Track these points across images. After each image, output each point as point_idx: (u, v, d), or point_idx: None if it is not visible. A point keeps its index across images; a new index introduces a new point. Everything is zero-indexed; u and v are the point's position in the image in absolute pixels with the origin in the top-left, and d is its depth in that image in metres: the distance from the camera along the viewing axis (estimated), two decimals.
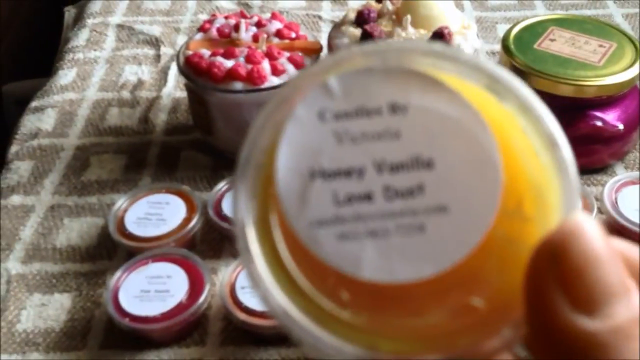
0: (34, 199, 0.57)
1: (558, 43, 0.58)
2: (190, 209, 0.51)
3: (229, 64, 0.54)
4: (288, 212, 0.18)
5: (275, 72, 0.54)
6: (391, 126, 0.17)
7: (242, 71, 0.53)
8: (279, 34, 0.58)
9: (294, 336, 0.18)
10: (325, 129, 0.18)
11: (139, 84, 0.70)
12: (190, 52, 0.56)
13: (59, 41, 0.84)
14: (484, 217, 0.17)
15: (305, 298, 0.18)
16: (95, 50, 0.75)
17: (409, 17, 0.55)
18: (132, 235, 0.49)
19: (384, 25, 0.56)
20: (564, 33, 0.59)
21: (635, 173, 0.53)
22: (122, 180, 0.58)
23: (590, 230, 0.16)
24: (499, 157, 0.17)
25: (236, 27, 0.58)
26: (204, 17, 0.81)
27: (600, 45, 0.57)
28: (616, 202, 0.50)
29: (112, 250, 0.52)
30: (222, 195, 0.52)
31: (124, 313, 0.43)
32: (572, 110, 0.55)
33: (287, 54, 0.55)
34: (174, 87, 0.69)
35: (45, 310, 0.48)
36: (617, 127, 0.55)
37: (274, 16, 0.61)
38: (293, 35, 0.58)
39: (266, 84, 0.53)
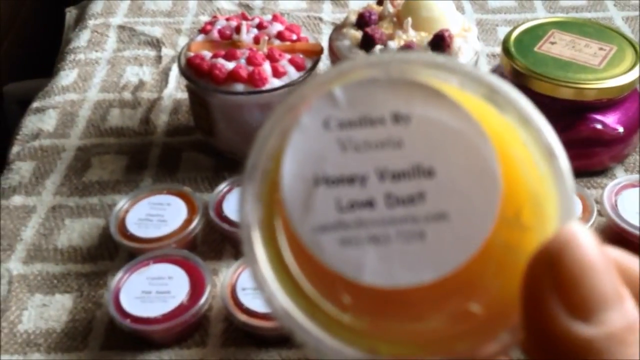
0: (35, 199, 0.57)
1: (558, 46, 0.58)
2: (192, 210, 0.51)
3: (230, 65, 0.54)
4: (292, 217, 0.18)
5: (276, 74, 0.54)
6: (394, 135, 0.18)
7: (243, 73, 0.53)
8: (280, 35, 0.58)
9: (296, 338, 0.18)
10: (329, 137, 0.18)
11: (140, 85, 0.70)
12: (191, 54, 0.56)
13: (60, 42, 0.84)
14: (483, 225, 0.17)
15: (308, 301, 0.18)
16: (96, 51, 0.76)
17: (409, 19, 0.55)
18: (133, 236, 0.49)
19: (385, 28, 0.56)
20: (564, 36, 0.59)
21: (635, 176, 0.53)
22: (123, 181, 0.58)
23: (585, 239, 0.16)
24: (499, 167, 0.17)
25: (237, 29, 0.58)
26: (205, 18, 0.81)
27: (601, 48, 0.57)
28: (616, 205, 0.50)
29: (114, 251, 0.52)
30: (223, 197, 0.52)
31: (125, 314, 0.43)
32: (573, 113, 0.55)
33: (288, 56, 0.56)
34: (175, 88, 0.69)
35: (47, 311, 0.48)
36: (617, 130, 0.55)
37: (275, 18, 0.61)
38: (294, 37, 0.58)
39: (267, 86, 0.53)
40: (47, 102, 0.68)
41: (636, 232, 0.48)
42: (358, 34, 0.56)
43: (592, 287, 0.15)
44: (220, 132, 0.57)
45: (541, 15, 0.80)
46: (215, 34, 0.58)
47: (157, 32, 0.79)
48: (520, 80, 0.55)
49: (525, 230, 0.18)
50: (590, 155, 0.56)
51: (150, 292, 0.45)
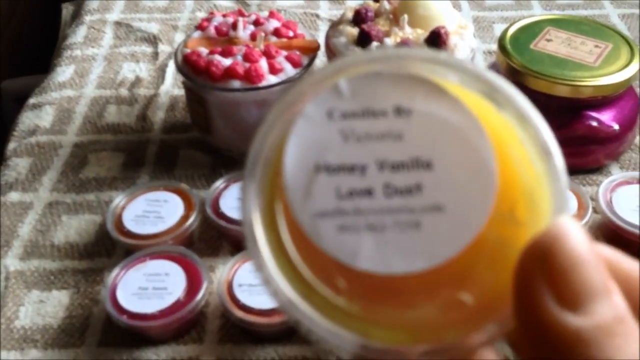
0: (32, 195, 0.57)
1: (554, 43, 0.58)
2: (188, 207, 0.51)
3: (227, 62, 0.54)
4: (293, 202, 0.18)
5: (273, 70, 0.54)
6: (395, 128, 0.18)
7: (240, 70, 0.53)
8: (276, 32, 0.58)
9: (291, 318, 0.18)
10: (332, 127, 0.19)
11: (137, 81, 0.70)
12: (188, 50, 0.56)
13: (56, 38, 0.84)
14: (477, 218, 0.18)
15: (304, 283, 0.19)
16: (93, 47, 0.76)
17: (406, 16, 0.55)
18: (130, 232, 0.49)
19: (382, 25, 0.56)
20: (560, 33, 0.59)
21: (631, 173, 0.54)
22: (120, 178, 0.58)
23: (575, 234, 0.16)
24: (495, 163, 0.18)
25: (234, 26, 0.58)
26: (201, 14, 0.81)
27: (596, 46, 0.57)
28: (611, 202, 0.51)
29: (110, 248, 0.52)
30: (220, 193, 0.52)
31: (122, 310, 0.44)
32: (568, 111, 0.55)
33: (284, 53, 0.56)
34: (172, 85, 0.69)
35: (44, 307, 0.48)
36: (613, 127, 0.55)
37: (271, 15, 0.61)
38: (291, 34, 0.59)
39: (264, 83, 0.53)
40: (44, 98, 0.68)
41: (631, 229, 0.48)
42: (354, 31, 0.56)
43: (581, 279, 0.16)
44: (217, 129, 0.57)
45: (537, 13, 0.81)
46: (212, 31, 0.59)
47: (153, 28, 0.78)
48: (516, 77, 0.56)
49: (518, 226, 0.18)
50: (586, 153, 0.56)
51: (147, 289, 0.45)
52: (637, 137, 0.61)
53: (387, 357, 0.18)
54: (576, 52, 0.57)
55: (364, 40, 0.54)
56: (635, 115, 0.58)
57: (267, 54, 0.55)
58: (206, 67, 0.54)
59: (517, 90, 0.18)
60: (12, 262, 0.51)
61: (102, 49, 0.75)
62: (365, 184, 0.18)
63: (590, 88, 0.53)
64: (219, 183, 0.53)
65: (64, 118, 0.65)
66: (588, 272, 0.16)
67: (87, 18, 0.81)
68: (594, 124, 0.55)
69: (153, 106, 0.66)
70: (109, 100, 0.67)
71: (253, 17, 0.60)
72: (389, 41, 0.54)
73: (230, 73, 0.53)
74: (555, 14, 0.76)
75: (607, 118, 0.55)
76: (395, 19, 0.57)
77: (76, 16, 0.83)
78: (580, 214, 0.50)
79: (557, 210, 0.18)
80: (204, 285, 0.45)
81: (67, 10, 0.88)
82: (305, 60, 0.56)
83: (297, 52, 0.56)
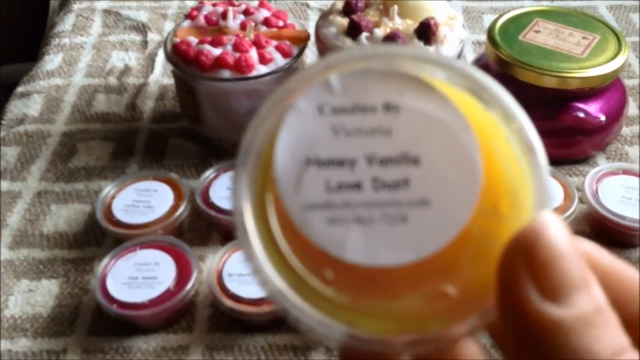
0: (21, 185, 0.57)
1: (543, 35, 0.58)
2: (178, 197, 0.51)
3: (216, 52, 0.54)
4: (283, 194, 0.19)
5: (263, 60, 0.54)
6: (384, 124, 0.19)
7: (230, 59, 0.53)
8: (266, 22, 0.58)
9: (280, 307, 0.19)
10: (323, 122, 0.19)
11: (126, 70, 0.70)
12: (177, 40, 0.56)
13: (45, 26, 0.83)
14: (462, 213, 0.19)
15: (293, 274, 0.19)
16: (81, 35, 0.75)
17: (395, 7, 0.55)
18: (120, 222, 0.49)
19: (371, 15, 0.57)
20: (548, 25, 0.60)
21: (616, 164, 0.54)
22: (109, 167, 0.58)
23: (556, 228, 0.17)
24: (481, 159, 0.19)
25: (224, 15, 0.58)
26: (191, 3, 0.80)
27: (584, 37, 0.58)
28: (597, 192, 0.51)
29: (100, 237, 0.52)
30: (209, 183, 0.52)
31: (112, 299, 0.44)
32: (556, 102, 0.55)
33: (274, 43, 0.56)
34: (162, 74, 0.69)
35: (33, 296, 0.48)
36: (600, 118, 0.56)
37: (261, 4, 0.61)
38: (281, 23, 0.59)
39: (254, 73, 0.53)
40: (32, 87, 0.67)
41: (616, 219, 0.49)
42: (344, 21, 0.56)
43: (562, 271, 0.17)
44: (207, 119, 0.57)
45: (526, 4, 0.81)
46: (201, 20, 0.58)
47: (142, 16, 0.78)
48: (504, 68, 0.56)
49: (502, 220, 0.19)
50: (573, 144, 0.57)
51: (137, 278, 0.45)
52: (624, 128, 0.61)
53: (374, 346, 0.19)
54: (564, 43, 0.57)
55: (353, 30, 0.55)
56: (622, 107, 0.58)
57: (257, 44, 0.55)
58: (196, 56, 0.54)
59: (503, 89, 0.19)
60: (1, 252, 0.51)
61: (91, 38, 0.75)
62: (354, 177, 0.19)
63: (578, 79, 0.54)
64: (209, 173, 0.53)
65: (52, 107, 0.65)
66: (568, 265, 0.17)
67: (76, 6, 0.80)
68: (581, 115, 0.55)
69: (142, 95, 0.66)
70: (98, 89, 0.67)
71: (243, 6, 0.60)
72: (379, 32, 0.54)
73: (220, 63, 0.53)
74: (544, 5, 0.76)
75: (594, 109, 0.56)
76: (385, 10, 0.57)
77: (64, 4, 0.83)
78: (567, 204, 0.50)
79: (539, 205, 0.18)
80: (194, 275, 0.45)
81: None
82: (295, 50, 0.56)
83: (287, 42, 0.56)
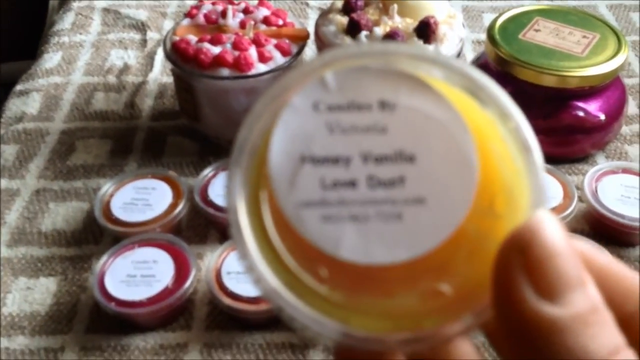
0: (19, 182, 0.57)
1: (542, 34, 0.58)
2: (177, 195, 0.51)
3: (216, 50, 0.54)
4: (277, 191, 0.19)
5: (262, 59, 0.54)
6: (379, 121, 0.19)
7: (229, 58, 0.53)
8: (266, 20, 0.58)
9: (274, 305, 0.19)
10: (318, 119, 0.19)
11: (125, 68, 0.70)
12: (177, 38, 0.56)
13: (44, 24, 0.83)
14: (457, 211, 0.19)
15: (288, 271, 0.19)
16: (80, 33, 0.75)
17: (395, 5, 0.55)
18: (118, 220, 0.49)
19: (371, 14, 0.57)
20: (548, 24, 0.60)
21: (616, 163, 0.54)
22: (108, 165, 0.58)
23: (552, 227, 0.17)
24: (477, 158, 0.19)
25: (223, 14, 0.58)
26: (191, 2, 0.80)
27: (584, 36, 0.58)
28: (596, 191, 0.51)
29: (98, 235, 0.52)
30: (208, 181, 0.52)
31: (110, 297, 0.44)
32: (555, 101, 0.55)
33: (274, 41, 0.56)
34: (161, 72, 0.69)
35: (31, 294, 0.48)
36: (599, 117, 0.56)
37: (261, 3, 0.61)
38: (280, 22, 0.58)
39: (253, 71, 0.53)
40: (31, 85, 0.67)
41: (616, 218, 0.49)
42: (344, 20, 0.56)
43: (558, 270, 0.16)
44: (206, 117, 0.57)
45: (526, 3, 0.81)
46: (201, 18, 0.58)
47: (142, 15, 0.78)
48: (504, 67, 0.56)
49: (497, 219, 0.19)
50: (572, 142, 0.57)
51: (135, 276, 0.45)
52: (623, 127, 0.61)
53: (368, 344, 0.19)
54: (564, 42, 0.57)
55: (353, 29, 0.54)
56: (622, 106, 0.58)
57: (257, 42, 0.55)
58: (195, 54, 0.54)
59: (500, 88, 0.19)
60: None
61: (90, 36, 0.75)
62: (349, 175, 0.19)
63: (577, 78, 0.54)
64: (208, 171, 0.53)
65: (51, 105, 0.65)
66: (564, 264, 0.17)
67: (75, 4, 0.80)
68: (581, 113, 0.55)
69: (141, 93, 0.66)
70: (97, 88, 0.67)
71: (242, 5, 0.60)
72: (378, 30, 0.54)
73: (219, 61, 0.53)
74: (544, 4, 0.76)
75: (594, 108, 0.56)
76: (384, 8, 0.57)
77: (64, 2, 0.83)
78: (566, 202, 0.50)
79: (535, 204, 0.18)
80: (192, 273, 0.45)
81: None
82: (294, 49, 0.56)
83: (287, 41, 0.56)
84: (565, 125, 0.55)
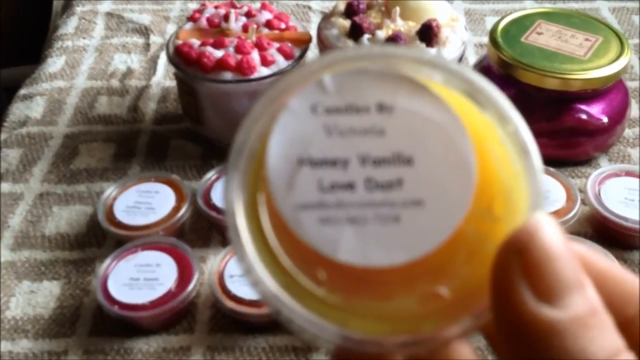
0: (23, 186, 0.57)
1: (545, 36, 0.58)
2: (180, 198, 0.51)
3: (218, 54, 0.54)
4: (275, 194, 0.19)
5: (265, 62, 0.54)
6: (377, 124, 0.19)
7: (232, 61, 0.53)
8: (268, 24, 0.58)
9: (272, 308, 0.19)
10: (316, 121, 0.19)
11: (129, 72, 0.70)
12: (180, 42, 0.56)
13: (47, 28, 0.84)
14: (455, 214, 0.19)
15: (285, 274, 0.19)
16: (84, 38, 0.75)
17: (397, 9, 0.55)
18: (121, 223, 0.49)
19: (373, 17, 0.57)
20: (550, 26, 0.60)
21: (619, 165, 0.54)
22: (111, 168, 0.58)
23: (550, 229, 0.17)
24: (475, 161, 0.19)
25: (226, 17, 0.58)
26: (193, 6, 0.80)
27: (587, 39, 0.58)
28: (599, 194, 0.51)
29: (101, 239, 0.52)
30: (211, 185, 0.52)
31: (113, 301, 0.44)
32: (558, 103, 0.55)
33: (276, 45, 0.56)
34: (164, 76, 0.69)
35: (34, 298, 0.48)
36: (602, 120, 0.56)
37: (263, 6, 0.61)
38: (283, 26, 0.59)
39: (255, 75, 0.53)
40: (35, 89, 0.68)
41: (619, 221, 0.49)
42: (346, 23, 0.56)
43: (556, 272, 0.16)
44: (209, 120, 0.57)
45: (529, 6, 0.81)
46: (203, 22, 0.58)
47: (145, 19, 0.78)
48: (506, 70, 0.56)
49: (496, 222, 0.19)
50: (575, 145, 0.57)
51: (138, 279, 0.45)
52: (626, 130, 0.61)
53: (366, 347, 0.19)
54: (566, 45, 0.57)
55: (355, 32, 0.55)
56: (625, 108, 0.58)
57: (259, 46, 0.55)
58: (198, 58, 0.54)
59: (499, 91, 0.19)
60: (2, 253, 0.51)
61: (94, 40, 0.75)
62: (347, 177, 0.19)
63: (580, 81, 0.54)
64: (211, 174, 0.53)
65: (54, 109, 0.65)
66: (562, 266, 0.16)
67: (79, 9, 0.80)
68: (583, 116, 0.55)
69: (144, 97, 0.66)
70: (100, 92, 0.67)
71: (245, 8, 0.60)
72: (381, 34, 0.54)
73: (221, 64, 0.53)
74: (546, 7, 0.76)
75: (597, 111, 0.56)
76: (387, 12, 0.57)
77: (67, 7, 0.83)
78: (569, 205, 0.50)
79: (533, 207, 0.18)
80: (195, 276, 0.45)
81: (58, 0, 0.87)
82: (297, 52, 0.56)
83: (289, 44, 0.56)
84: (568, 128, 0.55)
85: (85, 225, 0.53)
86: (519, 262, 0.17)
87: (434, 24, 0.53)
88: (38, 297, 0.48)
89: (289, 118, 0.19)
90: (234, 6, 0.61)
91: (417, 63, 0.19)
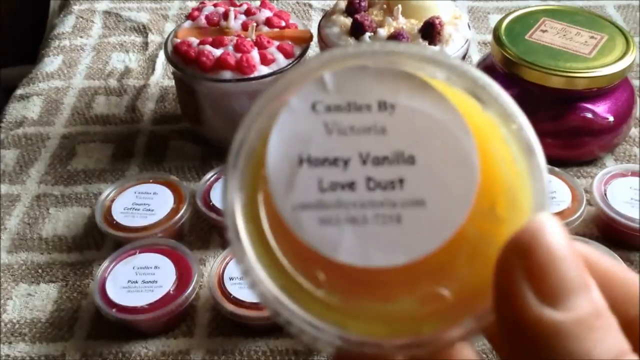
0: (20, 188, 0.56)
1: (549, 34, 0.57)
2: (179, 200, 0.51)
3: (217, 52, 0.53)
4: (275, 193, 0.19)
5: (265, 61, 0.53)
6: (378, 122, 0.19)
7: (231, 60, 0.52)
8: (268, 22, 0.57)
9: (270, 309, 0.18)
10: (316, 120, 0.19)
11: (126, 72, 0.69)
12: (178, 41, 0.56)
13: (44, 28, 0.83)
14: (457, 214, 0.18)
15: (285, 275, 0.19)
16: (81, 37, 0.75)
17: (399, 6, 0.54)
18: (120, 225, 0.49)
19: (375, 15, 0.56)
20: (555, 24, 0.59)
21: (625, 165, 0.53)
22: (109, 169, 0.58)
23: (554, 230, 0.17)
24: (478, 160, 0.18)
25: (225, 16, 0.57)
26: (192, 4, 0.80)
27: (592, 37, 0.57)
28: (605, 194, 0.50)
29: (99, 241, 0.51)
30: (210, 186, 0.51)
31: (112, 303, 0.43)
32: (563, 102, 0.55)
33: (276, 43, 0.55)
34: (162, 76, 0.68)
35: (32, 301, 0.47)
36: (608, 119, 0.55)
37: (263, 4, 0.60)
38: (283, 24, 0.58)
39: (255, 73, 0.53)
40: (32, 89, 0.67)
41: (625, 221, 0.48)
42: (347, 21, 0.55)
43: (560, 274, 0.16)
44: (208, 120, 0.56)
45: (532, 4, 0.80)
46: (202, 21, 0.58)
47: (143, 18, 0.77)
48: (510, 68, 0.55)
49: (498, 222, 0.18)
50: (580, 145, 0.56)
51: (137, 282, 0.44)
52: (632, 129, 0.60)
53: (366, 349, 0.18)
54: (571, 43, 0.56)
55: (357, 30, 0.54)
56: (630, 107, 0.57)
57: (259, 45, 0.54)
58: (197, 57, 0.53)
59: (502, 89, 0.18)
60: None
61: (91, 39, 0.74)
62: (347, 177, 0.18)
63: (585, 79, 0.53)
64: (210, 175, 0.52)
65: (51, 109, 0.64)
66: (566, 268, 0.16)
67: (76, 8, 0.79)
68: (589, 115, 0.54)
69: (143, 97, 0.66)
70: (98, 91, 0.67)
71: (244, 6, 0.59)
72: (383, 31, 0.53)
73: (221, 63, 0.52)
74: (550, 4, 0.76)
75: (602, 110, 0.55)
76: (388, 9, 0.56)
77: (64, 5, 0.82)
78: (575, 206, 0.49)
79: (537, 207, 0.18)
80: (194, 279, 0.44)
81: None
82: (297, 51, 0.55)
83: (290, 43, 0.55)
84: (573, 127, 0.55)
85: (82, 227, 0.53)
86: (522, 263, 0.16)
87: (436, 21, 0.53)
88: (35, 300, 0.47)
89: (289, 116, 0.19)
90: (233, 4, 0.60)
91: (419, 60, 0.19)
